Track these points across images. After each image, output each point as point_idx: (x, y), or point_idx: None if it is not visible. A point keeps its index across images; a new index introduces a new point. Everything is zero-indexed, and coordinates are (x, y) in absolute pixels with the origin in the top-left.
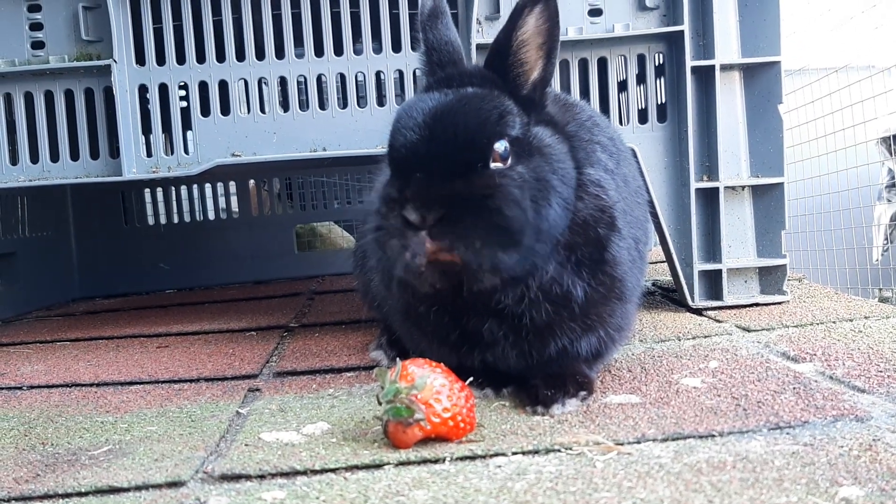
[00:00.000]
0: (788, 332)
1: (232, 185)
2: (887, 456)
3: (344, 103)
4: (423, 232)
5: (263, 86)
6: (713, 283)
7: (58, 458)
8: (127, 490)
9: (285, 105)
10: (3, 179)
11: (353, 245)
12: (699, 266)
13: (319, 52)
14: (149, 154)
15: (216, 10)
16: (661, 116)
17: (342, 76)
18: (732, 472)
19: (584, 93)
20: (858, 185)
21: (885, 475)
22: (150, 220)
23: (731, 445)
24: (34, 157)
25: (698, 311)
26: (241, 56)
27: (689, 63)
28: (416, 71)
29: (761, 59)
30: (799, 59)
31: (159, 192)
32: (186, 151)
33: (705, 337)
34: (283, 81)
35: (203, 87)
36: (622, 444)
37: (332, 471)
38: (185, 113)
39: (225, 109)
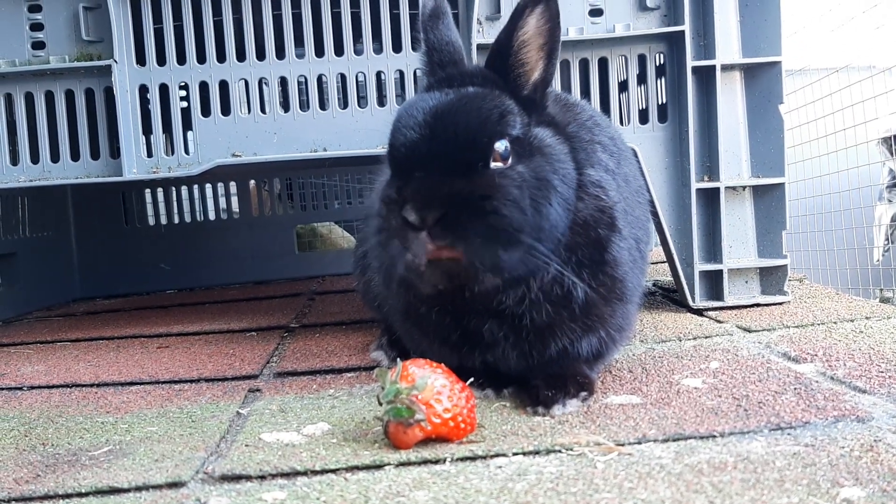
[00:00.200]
0: (789, 332)
1: (232, 186)
2: (888, 457)
3: (344, 103)
4: (423, 232)
5: (264, 86)
6: (714, 283)
7: (58, 458)
8: (127, 491)
9: (286, 105)
10: (4, 180)
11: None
12: (700, 266)
13: (320, 52)
14: (149, 154)
15: (217, 10)
16: (662, 117)
17: (343, 76)
18: (733, 472)
19: (585, 93)
20: (859, 185)
21: (887, 476)
22: (151, 221)
23: (732, 446)
24: (35, 158)
25: (699, 312)
26: (241, 56)
27: (690, 63)
28: (417, 71)
29: (762, 60)
30: (800, 59)
31: (160, 192)
32: (187, 152)
33: (706, 337)
34: (283, 81)
35: (203, 87)
36: (623, 445)
37: (333, 471)
38: (186, 113)
39: (225, 109)
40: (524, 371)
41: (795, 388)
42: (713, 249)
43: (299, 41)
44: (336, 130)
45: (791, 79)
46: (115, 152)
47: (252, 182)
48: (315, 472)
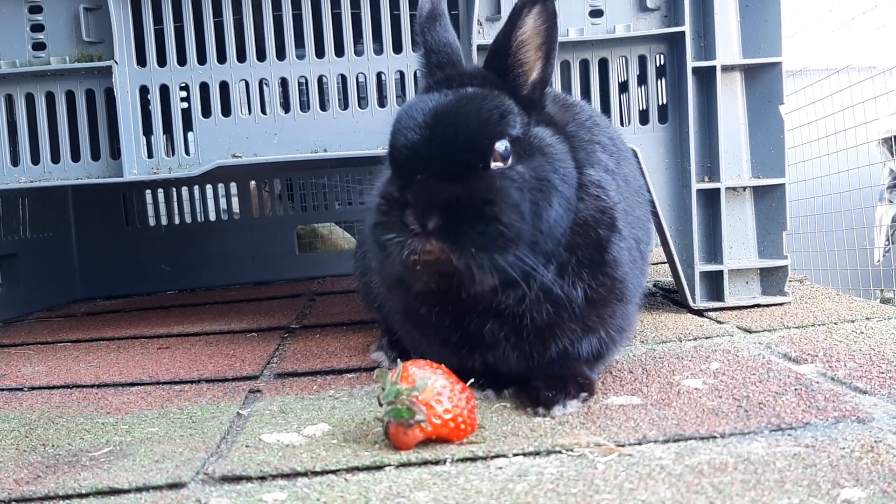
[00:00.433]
0: (790, 333)
1: (233, 186)
2: (889, 457)
3: (345, 104)
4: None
5: (264, 87)
6: (714, 284)
7: (58, 459)
8: (128, 491)
9: (286, 106)
10: (5, 180)
11: (353, 246)
12: (700, 267)
13: (320, 53)
14: (150, 155)
15: (217, 11)
16: (663, 117)
17: (343, 77)
18: (734, 473)
19: (586, 94)
20: (860, 186)
21: (887, 477)
22: (151, 221)
23: (733, 447)
24: (35, 159)
25: (699, 312)
26: (242, 57)
27: (691, 64)
28: (417, 72)
29: (762, 60)
30: (800, 59)
31: (160, 193)
32: (187, 152)
33: (706, 338)
34: (284, 82)
35: (204, 88)
36: (623, 446)
37: (333, 472)
38: (186, 114)
39: (226, 110)
40: (524, 372)
41: (796, 389)
42: (713, 250)
43: (300, 42)
44: (336, 131)
45: (791, 79)
46: (116, 153)
47: (252, 183)
48: (315, 473)
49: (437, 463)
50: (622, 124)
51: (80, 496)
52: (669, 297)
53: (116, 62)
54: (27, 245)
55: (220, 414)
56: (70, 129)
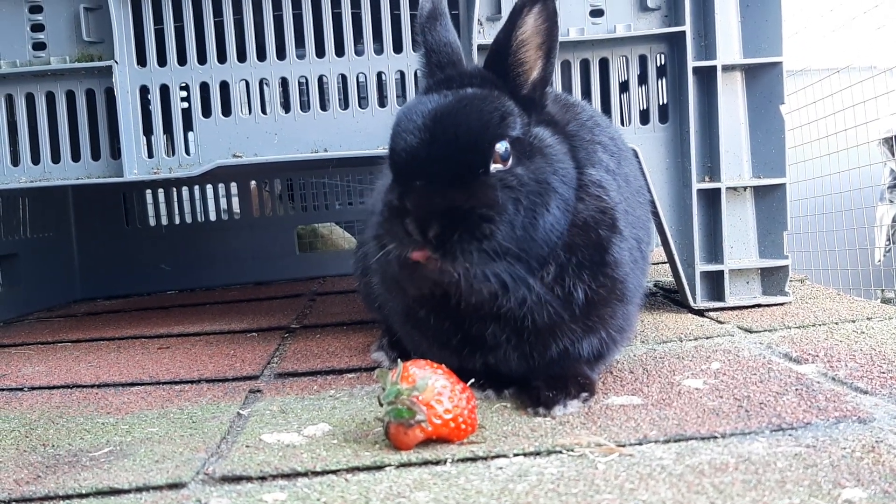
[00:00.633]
0: (790, 333)
1: (233, 186)
2: (890, 458)
3: (345, 104)
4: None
5: (265, 86)
6: (715, 284)
7: (59, 459)
8: (128, 492)
9: (286, 106)
10: (5, 180)
11: (354, 246)
12: (701, 267)
13: (321, 52)
14: (150, 155)
15: (217, 11)
16: (663, 117)
17: (343, 77)
18: (734, 473)
19: (586, 93)
20: (860, 185)
21: (888, 477)
22: (152, 221)
23: (734, 447)
24: (35, 159)
25: (700, 312)
26: (242, 57)
27: (691, 64)
28: (418, 72)
29: (763, 60)
30: (801, 59)
31: (160, 192)
32: (188, 152)
33: (707, 338)
34: (284, 82)
35: (204, 87)
36: (624, 446)
37: (334, 472)
38: (187, 114)
39: (226, 110)
40: (525, 372)
41: (797, 389)
42: (714, 250)
43: (300, 42)
44: (337, 131)
45: (792, 79)
46: (116, 153)
47: (253, 182)
48: (316, 473)
49: (437, 463)
50: (623, 124)
51: (81, 496)
52: (670, 297)
53: (117, 62)
54: (27, 245)
55: (221, 414)
56: (70, 129)
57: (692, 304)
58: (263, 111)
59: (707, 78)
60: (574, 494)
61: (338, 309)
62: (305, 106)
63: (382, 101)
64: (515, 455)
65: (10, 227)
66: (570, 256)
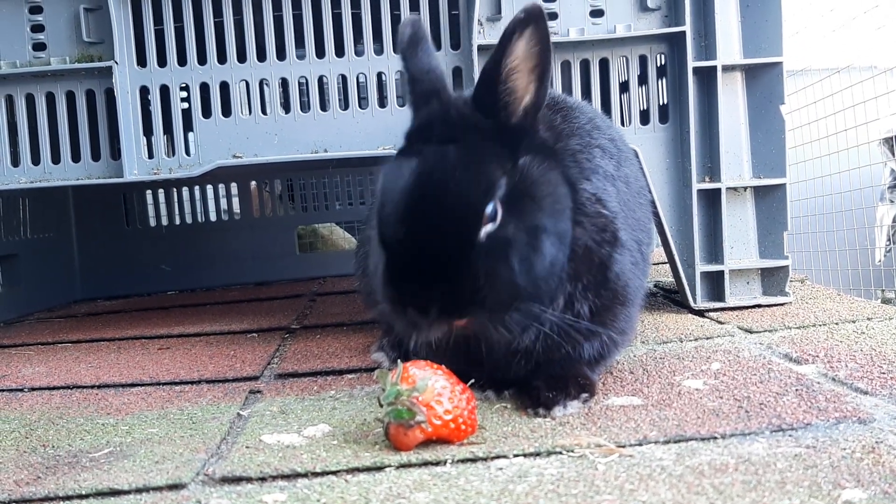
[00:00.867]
0: (791, 333)
1: (233, 187)
2: (890, 458)
3: (345, 104)
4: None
5: (265, 87)
6: (715, 284)
7: (59, 460)
8: (128, 492)
9: (286, 106)
10: (5, 181)
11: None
12: (701, 267)
13: (321, 53)
14: (150, 155)
15: (217, 12)
16: (663, 117)
17: (343, 77)
18: (734, 474)
19: (586, 94)
20: (861, 186)
21: (888, 478)
22: (152, 222)
23: (734, 447)
24: (36, 159)
25: (700, 313)
26: (242, 57)
27: (691, 64)
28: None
29: (763, 60)
30: (801, 59)
31: (161, 193)
32: (188, 153)
33: (707, 338)
34: (284, 83)
35: (204, 88)
36: (624, 447)
37: (334, 473)
38: (187, 114)
39: (226, 111)
40: (525, 373)
41: (797, 390)
42: (714, 250)
43: (300, 42)
44: (337, 131)
45: (792, 79)
46: (116, 153)
47: (253, 183)
48: (316, 474)
49: (437, 464)
50: (623, 124)
51: (81, 497)
52: (670, 298)
53: (117, 62)
54: (28, 245)
55: (221, 415)
56: (70, 130)
57: (692, 304)
58: (263, 112)
59: (707, 78)
60: (574, 495)
61: (338, 309)
62: (305, 106)
63: (382, 102)
64: (515, 456)
65: (11, 228)
66: (576, 283)
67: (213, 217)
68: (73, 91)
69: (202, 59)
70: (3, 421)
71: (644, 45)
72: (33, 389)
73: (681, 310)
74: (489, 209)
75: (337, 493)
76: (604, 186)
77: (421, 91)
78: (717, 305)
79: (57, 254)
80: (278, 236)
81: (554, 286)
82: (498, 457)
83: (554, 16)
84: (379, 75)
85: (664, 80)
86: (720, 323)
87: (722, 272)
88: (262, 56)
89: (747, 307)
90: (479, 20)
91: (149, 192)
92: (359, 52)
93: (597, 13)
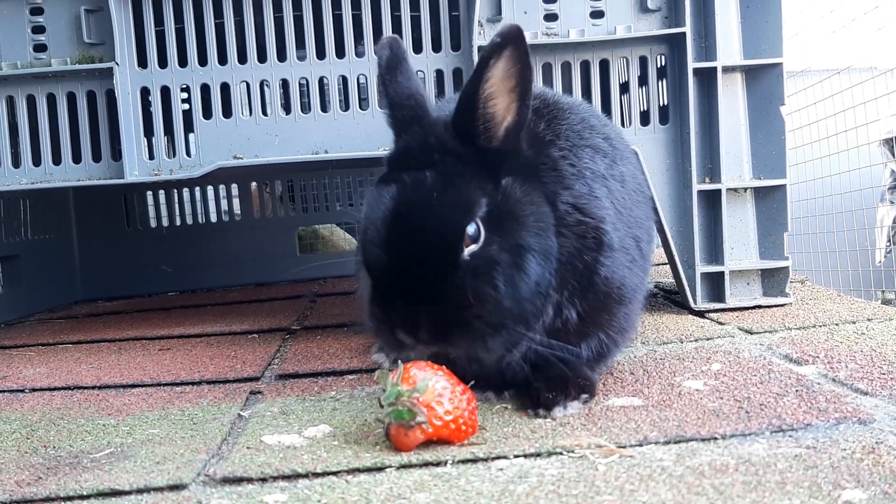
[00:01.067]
0: (791, 334)
1: (234, 188)
2: (890, 459)
3: (346, 105)
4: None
5: (265, 88)
6: (715, 285)
7: (60, 460)
8: (129, 493)
9: (287, 107)
10: (6, 182)
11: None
12: (701, 268)
13: (321, 54)
14: (151, 156)
15: (218, 13)
16: (663, 118)
17: (344, 78)
18: (735, 474)
19: (587, 95)
20: (861, 186)
21: (888, 478)
22: (153, 223)
23: (734, 448)
24: (36, 160)
25: (700, 314)
26: (242, 58)
27: (691, 65)
28: (418, 73)
29: (763, 61)
30: (801, 60)
31: (161, 194)
32: (188, 154)
33: (707, 339)
34: (284, 84)
35: (205, 89)
36: (624, 447)
37: (334, 473)
38: (187, 115)
39: (227, 112)
40: (525, 374)
41: (797, 390)
42: (714, 251)
43: (301, 43)
44: (337, 132)
45: (792, 80)
46: (117, 154)
47: (253, 184)
48: (316, 475)
49: (438, 464)
50: (623, 125)
51: (82, 497)
52: (670, 299)
53: (117, 64)
54: (28, 246)
55: (221, 415)
56: (71, 131)
57: (692, 305)
58: (264, 113)
59: (707, 79)
60: (574, 496)
61: (338, 310)
62: (306, 107)
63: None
64: (516, 456)
65: (12, 229)
66: (563, 291)
67: (213, 218)
68: (74, 92)
69: (203, 61)
70: (4, 422)
71: (644, 46)
72: (34, 390)
73: (681, 310)
74: (471, 229)
75: (338, 493)
76: (590, 190)
77: (401, 117)
78: (718, 306)
79: (58, 255)
80: (279, 237)
81: (540, 305)
82: (498, 457)
83: (554, 17)
84: None
85: (664, 81)
86: (720, 324)
87: (722, 273)
88: (262, 57)
89: (747, 308)
90: (479, 21)
91: (149, 193)
92: (359, 53)
93: (597, 14)
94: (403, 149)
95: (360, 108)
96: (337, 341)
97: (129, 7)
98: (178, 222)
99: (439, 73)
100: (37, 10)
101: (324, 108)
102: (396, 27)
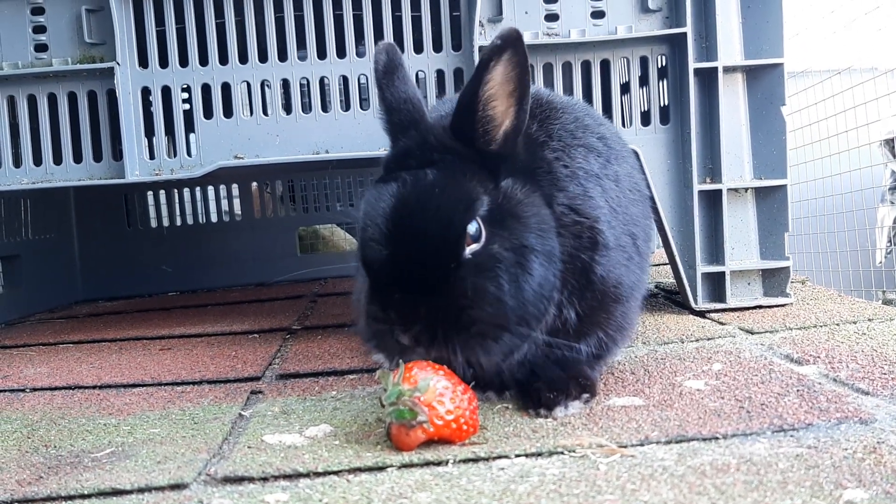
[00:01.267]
0: (792, 334)
1: (234, 188)
2: (891, 458)
3: (346, 105)
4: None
5: (266, 88)
6: (716, 285)
7: (60, 460)
8: (130, 492)
9: (288, 107)
10: (7, 182)
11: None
12: (702, 268)
13: (322, 54)
14: (151, 156)
15: (219, 13)
16: (664, 118)
17: (345, 78)
18: (736, 474)
19: (587, 95)
20: (862, 187)
21: (890, 478)
22: (153, 223)
23: (735, 448)
24: (37, 160)
25: (701, 314)
26: (243, 58)
27: (692, 65)
28: (419, 73)
29: (764, 61)
30: (802, 60)
31: (162, 194)
32: (189, 154)
33: (708, 339)
34: (285, 84)
35: (206, 89)
36: (625, 447)
37: (335, 473)
38: (188, 115)
39: (227, 112)
40: (526, 374)
41: (798, 390)
42: (715, 251)
43: (301, 43)
44: (338, 132)
45: (793, 80)
46: (118, 154)
47: (254, 184)
48: (317, 474)
49: (439, 464)
50: (624, 125)
51: (83, 497)
52: (671, 299)
53: (118, 63)
54: (29, 246)
55: (222, 415)
56: (72, 131)
57: (693, 305)
58: (265, 112)
59: (708, 79)
60: (576, 495)
61: (339, 310)
62: (307, 107)
63: None
64: (517, 456)
65: (12, 229)
66: (563, 291)
67: (214, 218)
68: (75, 92)
69: (204, 60)
70: (5, 421)
71: (645, 47)
72: (35, 390)
73: (682, 311)
74: (472, 228)
75: (339, 493)
76: (584, 190)
77: (398, 121)
78: (718, 306)
79: (58, 255)
80: (279, 237)
81: (543, 309)
82: (500, 457)
83: (555, 17)
84: None
85: (665, 82)
86: (721, 324)
87: (723, 273)
88: (263, 57)
89: (748, 308)
90: (480, 21)
91: (150, 192)
92: (360, 53)
93: (598, 14)
94: (402, 150)
95: (361, 108)
96: (338, 341)
97: (129, 7)
98: (178, 222)
99: (440, 74)
100: (38, 10)
101: (325, 108)
102: (397, 27)
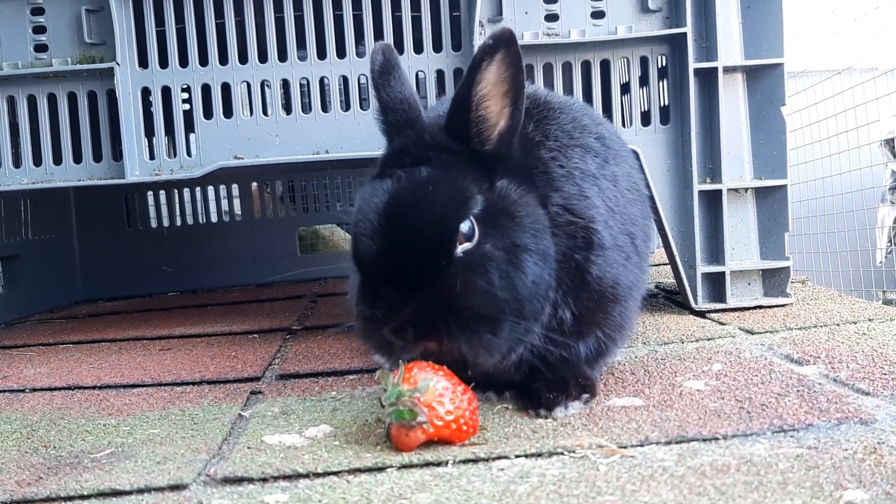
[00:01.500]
0: (792, 334)
1: (234, 188)
2: (892, 459)
3: (346, 106)
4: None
5: (266, 88)
6: (716, 285)
7: (60, 460)
8: (129, 493)
9: (288, 107)
10: (7, 182)
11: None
12: (702, 268)
13: (322, 54)
14: (151, 157)
15: (219, 13)
16: (664, 119)
17: (345, 78)
18: (736, 475)
19: (587, 95)
20: (862, 187)
21: (890, 478)
22: (153, 223)
23: (735, 448)
24: (37, 160)
25: (701, 314)
26: (243, 58)
27: (692, 65)
28: (419, 73)
29: (764, 61)
30: (802, 61)
31: (162, 194)
32: (189, 154)
33: (708, 339)
34: (285, 84)
35: (206, 89)
36: (625, 447)
37: (335, 473)
38: (188, 115)
39: (227, 112)
40: (525, 374)
41: (798, 391)
42: (715, 251)
43: (301, 43)
44: (338, 132)
45: (793, 81)
46: (118, 154)
47: (254, 184)
48: (317, 475)
49: (438, 464)
50: (624, 126)
51: (82, 497)
52: (671, 299)
53: (118, 64)
54: (29, 246)
55: (222, 415)
56: (72, 131)
57: (693, 305)
58: (265, 113)
59: (708, 79)
60: (576, 496)
61: (339, 310)
62: (307, 107)
63: None
64: (517, 456)
65: (12, 229)
66: (558, 290)
67: (214, 218)
68: (75, 92)
69: (204, 61)
70: (4, 421)
71: (645, 47)
72: (35, 390)
73: (682, 311)
74: (465, 227)
75: (339, 493)
76: (580, 190)
77: (394, 121)
78: (718, 306)
79: (58, 255)
80: (279, 237)
81: (539, 307)
82: (499, 457)
83: (555, 17)
84: None
85: (665, 82)
86: (721, 324)
87: (723, 273)
88: (263, 57)
89: (748, 308)
90: (480, 21)
91: (150, 193)
92: (360, 54)
93: (598, 14)
94: (398, 148)
95: (361, 108)
96: (338, 341)
97: (129, 7)
98: (178, 222)
99: (440, 74)
100: (38, 10)
101: (324, 109)
102: (397, 27)
